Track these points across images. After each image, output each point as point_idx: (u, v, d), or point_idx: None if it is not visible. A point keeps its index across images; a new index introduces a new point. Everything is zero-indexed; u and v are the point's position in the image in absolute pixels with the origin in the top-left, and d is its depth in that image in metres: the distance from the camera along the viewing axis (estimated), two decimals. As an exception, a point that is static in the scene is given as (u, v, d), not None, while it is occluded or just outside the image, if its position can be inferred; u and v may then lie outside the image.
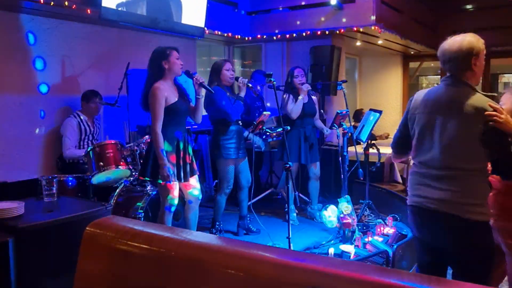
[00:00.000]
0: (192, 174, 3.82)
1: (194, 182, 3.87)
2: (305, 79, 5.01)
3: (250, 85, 4.46)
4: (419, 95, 2.47)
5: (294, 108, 4.89)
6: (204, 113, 4.11)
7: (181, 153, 3.68)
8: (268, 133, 4.92)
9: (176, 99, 3.64)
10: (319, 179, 5.20)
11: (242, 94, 4.45)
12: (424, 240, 2.44)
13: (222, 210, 4.67)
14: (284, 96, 5.04)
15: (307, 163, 5.04)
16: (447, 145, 2.26)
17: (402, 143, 2.53)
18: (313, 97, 5.19)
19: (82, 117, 4.74)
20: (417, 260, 2.62)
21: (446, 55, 2.42)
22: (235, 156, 4.48)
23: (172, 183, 3.62)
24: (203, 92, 3.81)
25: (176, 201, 3.72)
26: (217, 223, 4.68)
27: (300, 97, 4.88)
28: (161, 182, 3.60)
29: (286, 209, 4.10)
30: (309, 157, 5.01)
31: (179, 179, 3.67)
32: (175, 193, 3.69)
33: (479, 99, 2.24)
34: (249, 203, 4.85)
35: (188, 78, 3.82)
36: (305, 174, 5.41)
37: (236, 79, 4.45)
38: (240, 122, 4.54)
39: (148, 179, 3.72)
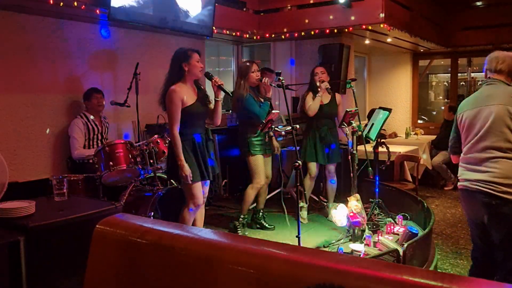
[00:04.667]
0: (213, 173, 3.90)
1: (205, 182, 3.91)
2: (325, 76, 5.00)
3: (273, 84, 4.67)
4: (465, 99, 3.06)
5: (312, 106, 4.93)
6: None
7: (199, 154, 3.71)
8: (276, 132, 4.93)
9: (193, 102, 3.68)
10: (334, 178, 5.18)
11: (269, 94, 4.62)
12: (470, 218, 2.94)
13: (249, 203, 4.73)
14: (304, 94, 5.10)
15: (325, 163, 5.05)
16: (487, 129, 2.74)
17: (456, 143, 3.08)
18: (337, 97, 5.15)
19: (88, 117, 4.75)
20: (471, 239, 3.07)
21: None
22: (263, 152, 4.64)
23: (194, 183, 3.67)
24: (222, 94, 3.84)
25: (201, 201, 3.76)
26: (242, 216, 4.72)
27: (318, 95, 4.91)
28: (189, 183, 3.65)
29: (295, 208, 4.10)
30: (327, 157, 5.01)
31: (198, 179, 3.72)
32: (199, 193, 3.72)
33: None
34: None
35: (208, 80, 3.87)
36: (322, 174, 5.41)
37: (260, 80, 4.60)
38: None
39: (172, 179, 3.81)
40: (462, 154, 2.96)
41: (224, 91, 3.82)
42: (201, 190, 3.77)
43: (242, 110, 4.60)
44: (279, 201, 5.73)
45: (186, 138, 3.68)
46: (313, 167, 5.07)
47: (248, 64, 4.65)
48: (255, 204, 4.93)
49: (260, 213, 4.89)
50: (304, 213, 5.10)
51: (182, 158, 3.59)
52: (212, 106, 3.88)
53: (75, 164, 4.68)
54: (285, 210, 4.72)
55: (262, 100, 4.59)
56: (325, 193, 5.48)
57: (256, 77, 4.55)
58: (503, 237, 2.72)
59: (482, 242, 2.92)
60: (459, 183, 2.96)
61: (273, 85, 4.64)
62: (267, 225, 4.87)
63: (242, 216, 4.74)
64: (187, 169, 3.59)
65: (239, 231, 4.69)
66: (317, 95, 4.93)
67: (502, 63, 2.89)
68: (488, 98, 2.83)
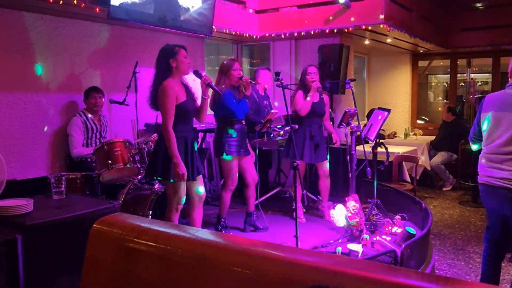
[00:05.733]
0: (198, 173, 3.83)
1: (199, 180, 3.88)
2: (318, 77, 5.00)
3: (253, 82, 4.55)
4: (490, 98, 3.18)
5: (304, 105, 4.89)
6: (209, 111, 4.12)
7: (190, 152, 3.69)
8: (275, 131, 4.93)
9: (185, 99, 3.63)
10: (328, 177, 5.18)
11: (248, 92, 4.51)
12: (492, 209, 3.22)
13: (227, 206, 4.70)
14: (294, 92, 5.07)
15: (311, 161, 5.04)
16: (510, 135, 2.96)
17: (477, 136, 3.27)
18: (324, 97, 5.17)
19: (87, 115, 4.75)
20: (487, 229, 3.36)
21: None
22: (238, 154, 4.51)
23: (183, 182, 3.64)
24: (209, 92, 3.80)
25: (183, 200, 3.73)
26: (223, 220, 4.70)
27: (309, 95, 4.88)
28: (172, 181, 3.60)
29: (294, 207, 4.10)
30: (314, 156, 5.00)
31: (188, 179, 3.68)
32: (183, 192, 3.70)
33: None
34: (257, 202, 4.86)
35: (197, 77, 3.82)
36: (314, 173, 5.40)
37: (240, 78, 4.48)
38: (243, 121, 4.56)
39: (159, 178, 3.73)
40: (484, 152, 3.19)
41: (214, 89, 3.79)
42: (184, 189, 3.71)
43: (219, 107, 4.46)
44: (277, 201, 5.76)
45: (178, 136, 3.58)
46: (301, 166, 5.03)
47: (230, 62, 4.53)
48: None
49: (253, 216, 4.87)
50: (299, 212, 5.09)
51: (178, 155, 3.51)
52: (198, 103, 3.85)
53: (74, 162, 4.68)
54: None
55: (242, 98, 4.49)
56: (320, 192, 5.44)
57: (237, 75, 4.45)
58: None
59: (500, 230, 3.23)
60: (480, 177, 3.22)
61: (253, 82, 4.60)
62: (260, 226, 4.87)
63: (223, 219, 4.72)
64: (183, 167, 3.52)
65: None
66: (308, 95, 4.90)
67: None
68: None
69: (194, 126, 3.86)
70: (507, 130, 3.00)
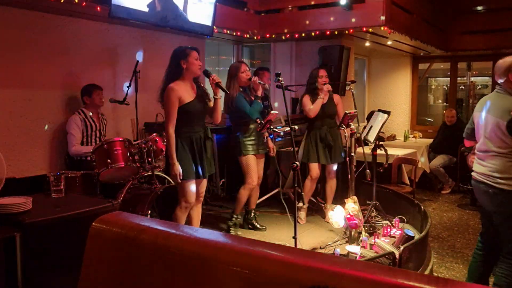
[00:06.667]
0: (209, 172, 3.90)
1: (203, 181, 3.90)
2: (327, 79, 5.04)
3: (262, 82, 4.66)
4: (482, 99, 3.42)
5: (313, 108, 4.93)
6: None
7: (196, 152, 3.71)
8: (275, 132, 4.93)
9: (192, 99, 3.68)
10: (334, 179, 5.20)
11: (259, 93, 4.62)
12: (479, 202, 3.42)
13: (243, 203, 4.74)
14: (302, 95, 5.10)
15: (327, 163, 5.06)
16: (488, 134, 3.17)
17: (470, 134, 3.49)
18: (335, 96, 5.19)
19: (87, 114, 4.74)
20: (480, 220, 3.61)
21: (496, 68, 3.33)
22: (255, 152, 4.63)
23: (187, 181, 3.68)
24: (220, 92, 3.85)
25: (193, 200, 3.76)
26: (235, 216, 4.74)
27: (319, 97, 4.92)
28: (181, 180, 3.67)
29: (293, 209, 4.10)
30: (329, 157, 5.02)
31: (192, 177, 3.71)
32: (191, 191, 3.73)
33: (510, 101, 3.11)
34: (259, 200, 4.90)
35: (206, 77, 3.89)
36: (321, 175, 5.40)
37: (249, 79, 4.60)
38: (258, 120, 4.61)
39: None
40: (474, 149, 3.43)
41: (222, 88, 3.84)
42: (194, 189, 3.77)
43: (233, 110, 4.60)
44: (276, 202, 5.75)
45: (184, 135, 3.68)
46: (314, 168, 5.06)
47: (237, 65, 4.66)
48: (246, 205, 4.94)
49: (252, 213, 4.90)
50: (302, 214, 5.11)
51: (174, 157, 3.61)
52: (211, 104, 3.89)
53: (73, 161, 4.67)
54: (287, 210, 4.71)
55: (255, 98, 4.61)
56: (323, 194, 5.47)
57: (246, 77, 4.58)
58: (502, 221, 3.19)
59: (487, 224, 3.42)
60: (472, 174, 3.42)
61: (261, 82, 4.65)
62: (258, 225, 4.88)
63: (235, 216, 4.76)
64: (177, 168, 3.61)
65: (231, 231, 4.71)
66: (319, 97, 4.94)
67: (500, 71, 3.21)
68: (493, 107, 3.20)
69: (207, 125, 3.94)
70: (486, 128, 3.20)
